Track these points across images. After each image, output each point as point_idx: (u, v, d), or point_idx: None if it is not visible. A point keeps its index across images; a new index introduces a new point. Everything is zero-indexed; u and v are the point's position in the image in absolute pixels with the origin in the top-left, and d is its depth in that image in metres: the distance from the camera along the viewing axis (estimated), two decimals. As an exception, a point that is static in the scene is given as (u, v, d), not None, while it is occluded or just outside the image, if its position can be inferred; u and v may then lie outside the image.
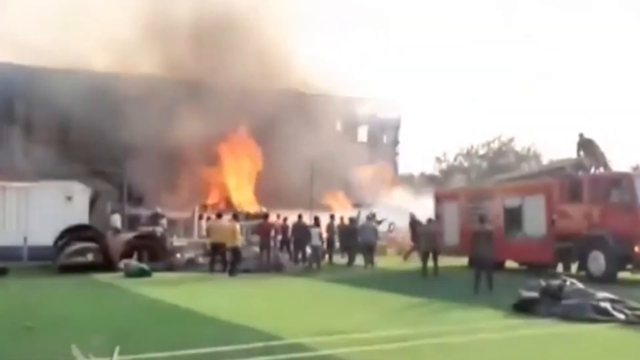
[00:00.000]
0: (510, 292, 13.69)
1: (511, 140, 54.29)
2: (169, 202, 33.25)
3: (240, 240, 20.82)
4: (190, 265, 21.54)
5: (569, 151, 23.98)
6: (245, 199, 36.59)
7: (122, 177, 30.96)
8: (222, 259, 20.49)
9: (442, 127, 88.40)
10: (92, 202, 31.51)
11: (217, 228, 21.22)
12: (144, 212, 33.12)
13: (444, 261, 21.90)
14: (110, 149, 34.19)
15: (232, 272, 19.84)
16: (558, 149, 61.77)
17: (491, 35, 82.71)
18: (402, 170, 50.23)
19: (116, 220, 29.14)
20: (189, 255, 22.50)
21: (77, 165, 34.23)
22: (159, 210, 30.41)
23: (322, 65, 40.95)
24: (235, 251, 20.26)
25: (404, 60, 74.12)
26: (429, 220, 20.90)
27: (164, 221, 28.66)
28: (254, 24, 37.89)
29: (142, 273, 19.11)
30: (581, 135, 21.08)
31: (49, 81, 32.40)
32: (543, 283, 12.54)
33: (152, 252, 22.63)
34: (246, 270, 20.41)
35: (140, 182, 35.98)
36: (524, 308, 12.11)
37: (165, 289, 16.38)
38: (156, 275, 19.42)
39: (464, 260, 22.17)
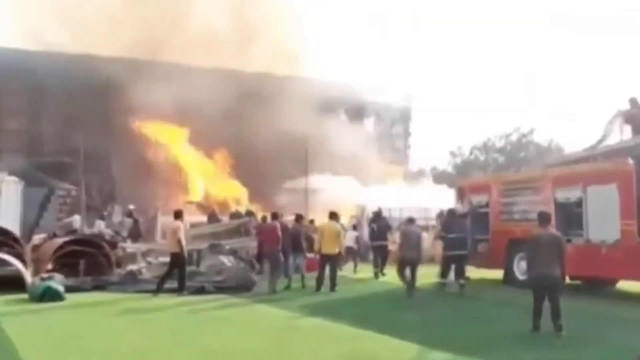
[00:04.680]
0: (597, 336, 7.87)
1: (531, 132, 47.74)
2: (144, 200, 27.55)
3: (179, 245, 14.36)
4: (130, 280, 15.31)
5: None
6: (235, 194, 30.65)
7: (79, 169, 24.74)
8: (179, 272, 14.41)
9: (455, 120, 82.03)
10: (46, 200, 25.82)
11: (168, 232, 15.06)
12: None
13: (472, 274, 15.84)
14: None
15: (179, 289, 14.04)
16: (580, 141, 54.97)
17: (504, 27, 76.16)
18: (413, 166, 44.63)
19: (76, 221, 23.28)
20: (131, 266, 16.32)
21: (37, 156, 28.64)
22: (131, 207, 24.44)
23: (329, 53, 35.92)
24: (176, 260, 14.27)
25: (414, 53, 67.74)
26: (410, 221, 14.90)
27: (128, 220, 22.64)
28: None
29: (48, 295, 12.96)
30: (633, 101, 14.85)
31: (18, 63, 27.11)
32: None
33: (94, 262, 16.71)
34: (200, 290, 14.23)
35: (112, 176, 30.51)
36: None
37: (53, 327, 10.34)
38: (73, 298, 13.29)
39: (496, 274, 15.98)
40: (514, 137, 48.09)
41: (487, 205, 16.23)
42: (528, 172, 17.32)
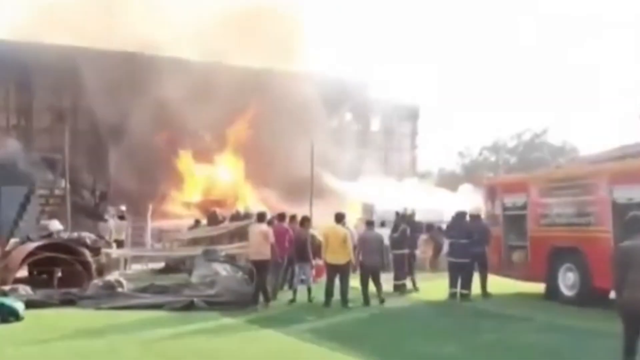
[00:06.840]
0: None
1: (544, 132, 45.06)
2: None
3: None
4: (106, 294, 12.67)
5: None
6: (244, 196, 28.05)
7: (65, 166, 22.01)
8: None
9: (464, 120, 79.30)
10: (26, 199, 23.29)
11: (257, 236, 12.85)
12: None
13: (499, 287, 13.36)
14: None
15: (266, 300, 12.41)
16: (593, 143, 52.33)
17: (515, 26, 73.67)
18: (420, 166, 42.04)
19: (55, 225, 20.68)
20: (109, 277, 13.76)
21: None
22: (123, 208, 21.88)
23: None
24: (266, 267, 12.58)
25: (422, 53, 65.20)
26: (369, 224, 13.72)
27: (109, 224, 20.03)
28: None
29: (2, 314, 10.42)
30: None
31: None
32: None
33: (71, 271, 14.31)
34: (188, 306, 11.69)
35: (108, 174, 28.04)
36: None
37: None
38: (34, 316, 10.76)
39: (534, 287, 13.42)
40: (526, 137, 45.52)
41: (524, 207, 13.66)
42: (577, 168, 14.63)
